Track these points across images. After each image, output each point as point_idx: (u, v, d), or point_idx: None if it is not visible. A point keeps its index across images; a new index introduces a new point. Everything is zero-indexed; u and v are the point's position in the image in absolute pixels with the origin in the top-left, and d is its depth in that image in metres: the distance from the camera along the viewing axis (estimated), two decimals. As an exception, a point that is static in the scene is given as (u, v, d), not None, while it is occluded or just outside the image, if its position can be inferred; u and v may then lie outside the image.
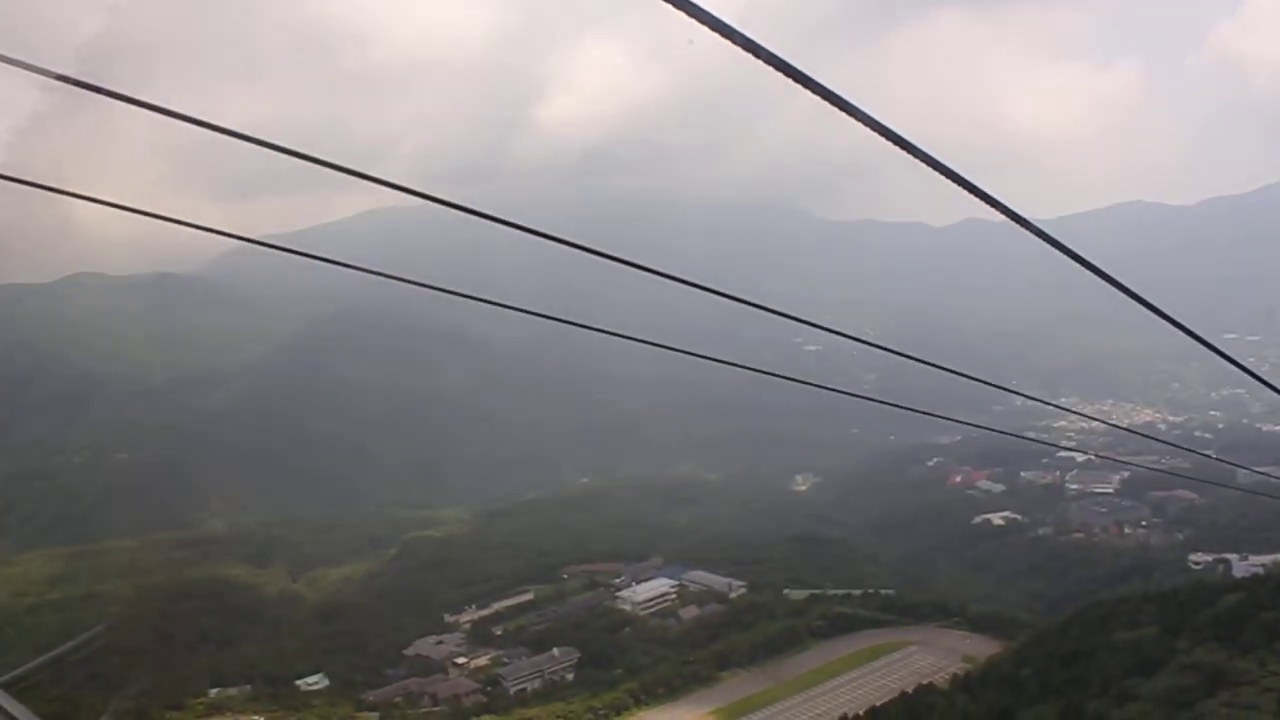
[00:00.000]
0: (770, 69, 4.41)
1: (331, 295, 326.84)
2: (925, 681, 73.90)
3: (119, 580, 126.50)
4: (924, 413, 14.94)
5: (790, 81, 4.44)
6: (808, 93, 4.48)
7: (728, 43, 4.29)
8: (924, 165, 5.09)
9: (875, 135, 4.78)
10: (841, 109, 4.65)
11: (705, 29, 4.21)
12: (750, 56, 4.37)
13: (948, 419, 16.64)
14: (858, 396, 15.53)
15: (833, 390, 14.61)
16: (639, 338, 11.07)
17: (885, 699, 72.56)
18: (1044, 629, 79.70)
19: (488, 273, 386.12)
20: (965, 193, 5.37)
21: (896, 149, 4.87)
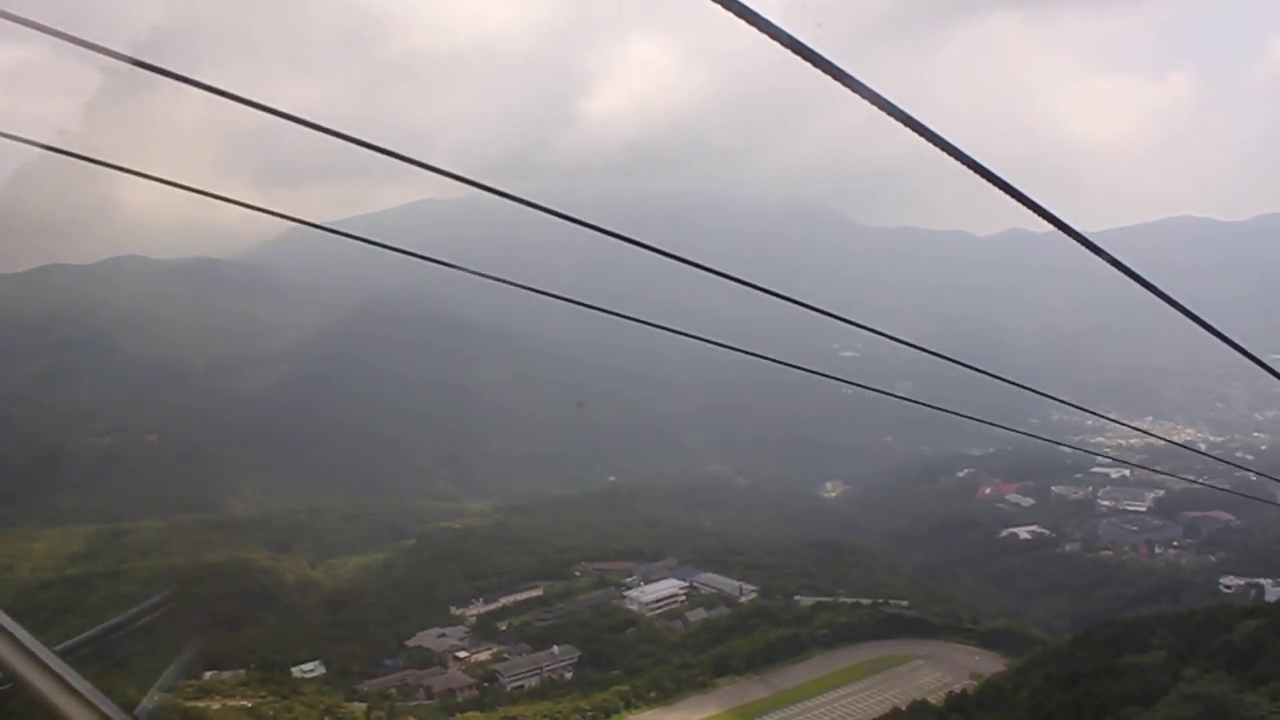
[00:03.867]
0: (815, 71, 4.27)
1: (367, 286, 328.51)
2: (921, 698, 71.74)
3: (139, 560, 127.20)
4: (963, 415, 14.54)
5: (833, 85, 4.32)
6: (851, 97, 4.37)
7: (771, 45, 4.12)
8: (968, 172, 4.90)
9: (916, 141, 4.62)
10: (888, 112, 4.48)
11: (753, 29, 4.04)
12: (794, 58, 4.20)
13: (986, 422, 16.04)
14: (900, 398, 14.90)
15: (877, 391, 13.98)
16: (707, 338, 10.96)
17: (880, 713, 70.59)
18: (1050, 648, 77.16)
19: (531, 270, 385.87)
20: (1008, 202, 5.14)
21: (938, 156, 4.72)
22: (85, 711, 4.66)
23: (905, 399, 15.01)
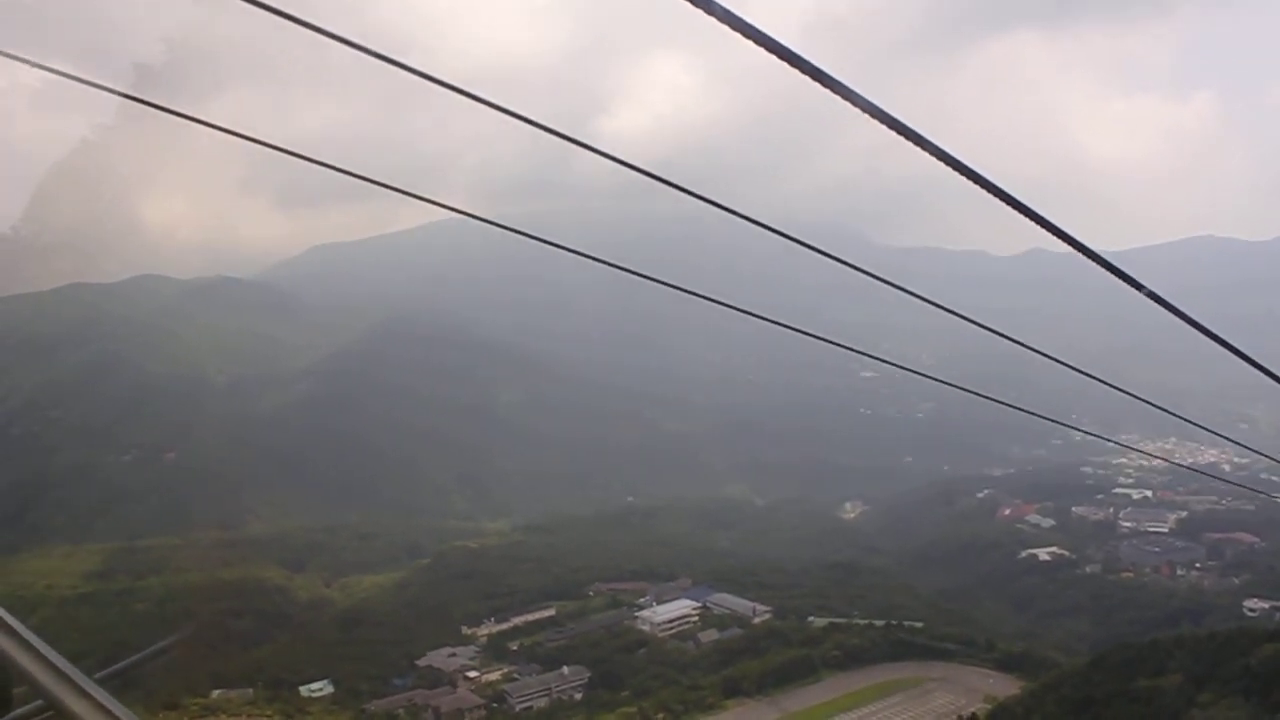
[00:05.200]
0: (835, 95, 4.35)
1: (384, 306, 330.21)
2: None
3: (154, 578, 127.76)
4: (1017, 408, 14.20)
5: (851, 109, 4.38)
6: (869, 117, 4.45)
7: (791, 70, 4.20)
8: (988, 194, 4.90)
9: (935, 162, 4.67)
10: (906, 137, 4.51)
11: (772, 56, 4.13)
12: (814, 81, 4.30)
13: (1040, 416, 15.85)
14: (988, 398, 14.59)
15: (969, 391, 13.90)
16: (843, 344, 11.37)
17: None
18: (1066, 671, 75.69)
19: (553, 289, 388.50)
20: (1028, 222, 5.15)
21: (957, 176, 4.76)
22: None
23: (989, 397, 14.38)
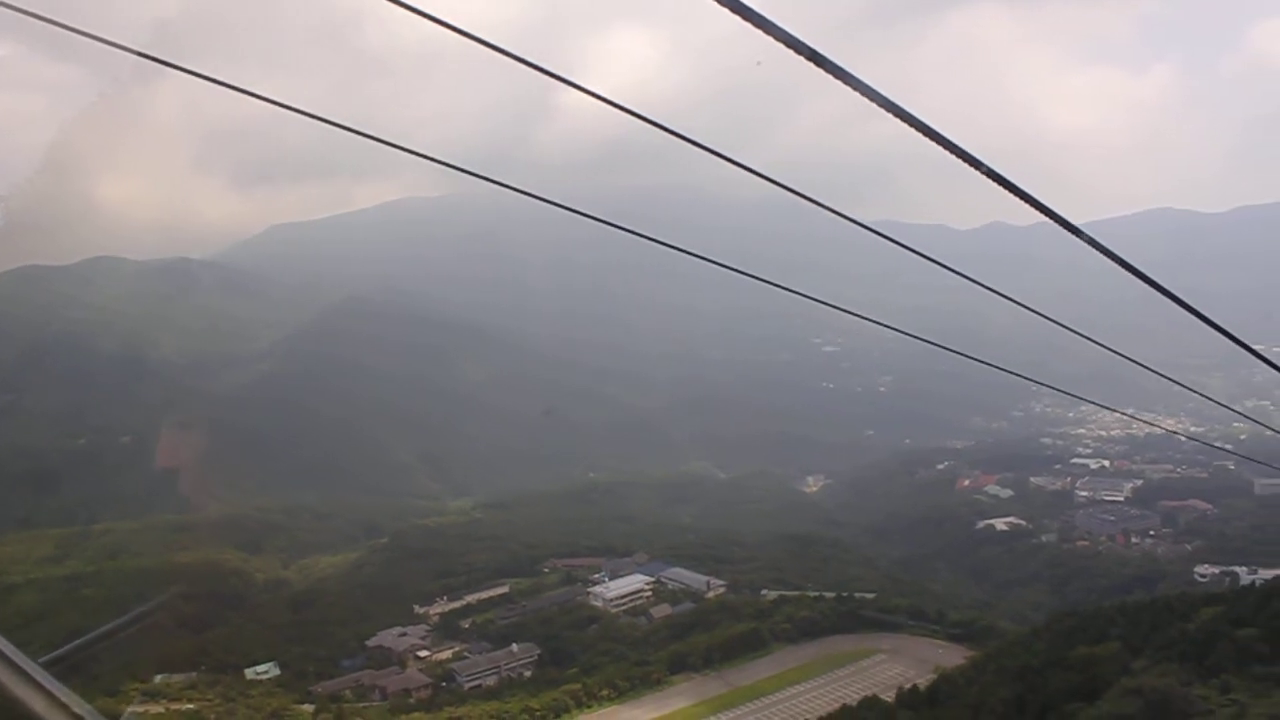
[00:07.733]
0: (798, 66, 4.24)
1: (345, 285, 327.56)
2: (873, 693, 70.37)
3: (108, 562, 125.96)
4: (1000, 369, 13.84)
5: (820, 79, 4.32)
6: (833, 92, 4.29)
7: (753, 40, 4.20)
8: (949, 166, 5.09)
9: (897, 135, 4.13)
10: (878, 103, 4.49)
11: (736, 19, 4.04)
12: (775, 53, 4.29)
13: (1024, 378, 15.53)
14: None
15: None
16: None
17: (831, 710, 69.21)
18: (1009, 641, 75.93)
19: (508, 266, 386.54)
20: (989, 196, 3.86)
21: (919, 150, 4.02)
22: None
23: (987, 362, 13.92)
